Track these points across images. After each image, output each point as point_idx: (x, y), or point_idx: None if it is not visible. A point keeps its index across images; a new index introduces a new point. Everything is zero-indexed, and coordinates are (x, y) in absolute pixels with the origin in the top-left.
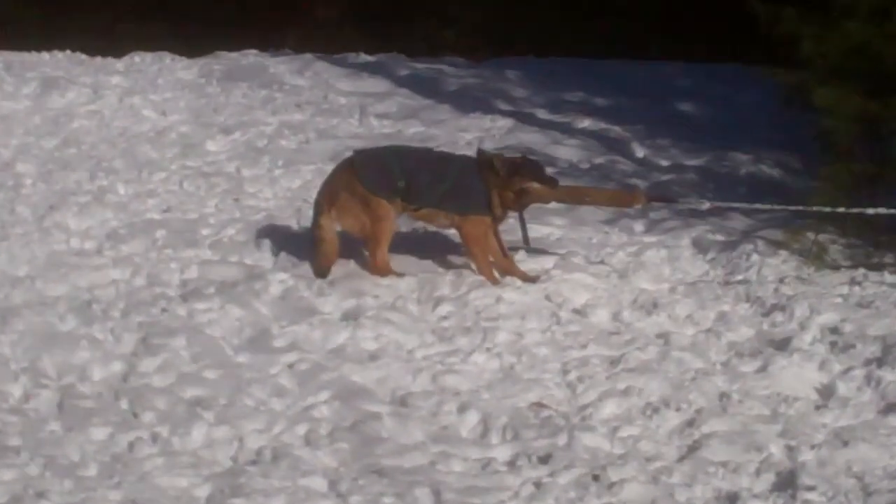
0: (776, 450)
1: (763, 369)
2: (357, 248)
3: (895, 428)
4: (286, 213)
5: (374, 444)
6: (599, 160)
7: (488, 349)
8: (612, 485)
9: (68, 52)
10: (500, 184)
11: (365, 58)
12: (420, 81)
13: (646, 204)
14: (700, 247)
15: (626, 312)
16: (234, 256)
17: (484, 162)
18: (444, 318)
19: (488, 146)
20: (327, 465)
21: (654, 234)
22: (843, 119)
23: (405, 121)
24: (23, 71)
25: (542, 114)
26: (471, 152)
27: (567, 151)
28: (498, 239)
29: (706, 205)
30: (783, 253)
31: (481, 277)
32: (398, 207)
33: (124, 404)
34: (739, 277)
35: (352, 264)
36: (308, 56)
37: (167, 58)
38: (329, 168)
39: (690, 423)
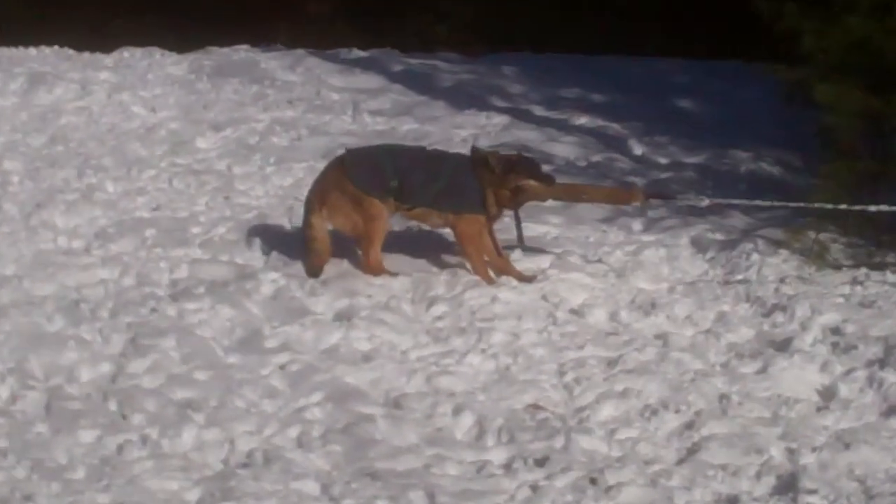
0: (777, 452)
1: (763, 370)
2: (350, 248)
3: None
4: (278, 211)
5: (367, 446)
6: (597, 158)
7: (483, 350)
8: (609, 488)
9: (56, 47)
10: (496, 182)
11: (358, 53)
12: (414, 77)
13: (644, 201)
14: (699, 246)
15: (624, 313)
16: (225, 255)
17: (479, 160)
18: (439, 318)
19: (483, 143)
20: (320, 468)
21: (653, 233)
22: (845, 116)
23: (399, 117)
24: (9, 66)
25: (538, 110)
26: (465, 150)
27: (564, 149)
28: (492, 238)
29: (705, 202)
30: (784, 252)
31: (476, 277)
32: (391, 207)
33: (113, 406)
34: (739, 277)
35: (345, 263)
36: (300, 51)
37: (157, 53)
38: (321, 165)
39: (689, 426)
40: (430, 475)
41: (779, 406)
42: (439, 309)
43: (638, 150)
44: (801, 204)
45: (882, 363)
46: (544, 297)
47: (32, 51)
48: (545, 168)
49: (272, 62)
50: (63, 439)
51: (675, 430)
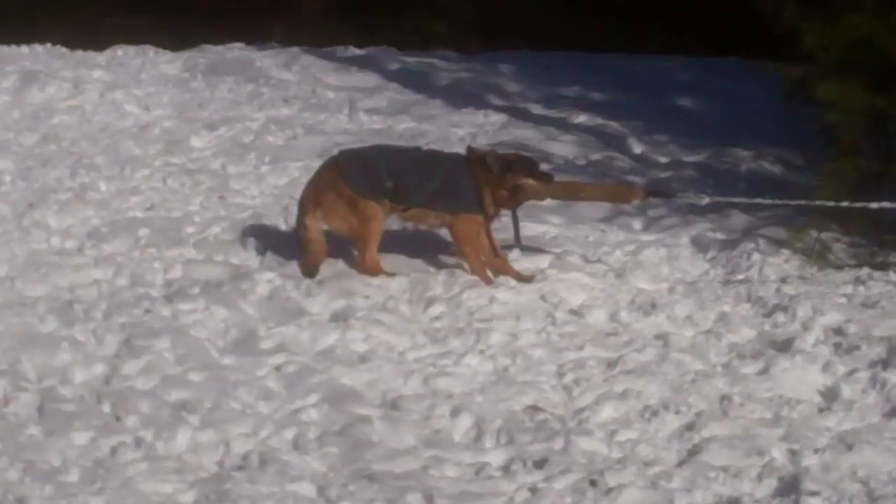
0: (778, 454)
1: (765, 371)
2: (346, 248)
3: None
4: (273, 211)
5: (364, 448)
6: (596, 157)
7: (482, 351)
8: (609, 490)
9: (48, 45)
10: (493, 181)
11: (354, 51)
12: (411, 75)
13: (643, 199)
14: (700, 245)
15: (624, 313)
16: (220, 256)
17: (476, 159)
18: (437, 318)
19: (481, 142)
20: (316, 471)
21: (653, 233)
22: (847, 114)
23: (395, 116)
24: (1, 64)
25: (536, 109)
26: (462, 149)
27: (562, 148)
28: (490, 238)
29: (705, 199)
30: (785, 252)
31: (474, 277)
32: (386, 208)
33: (106, 408)
34: (740, 277)
35: (340, 264)
36: (295, 49)
37: (150, 51)
38: (317, 165)
39: (690, 427)
40: (427, 477)
41: (780, 407)
42: (437, 309)
43: (637, 148)
44: (802, 202)
45: (885, 364)
46: (543, 298)
47: (24, 49)
48: (543, 167)
49: (267, 60)
50: (56, 441)
51: (675, 431)
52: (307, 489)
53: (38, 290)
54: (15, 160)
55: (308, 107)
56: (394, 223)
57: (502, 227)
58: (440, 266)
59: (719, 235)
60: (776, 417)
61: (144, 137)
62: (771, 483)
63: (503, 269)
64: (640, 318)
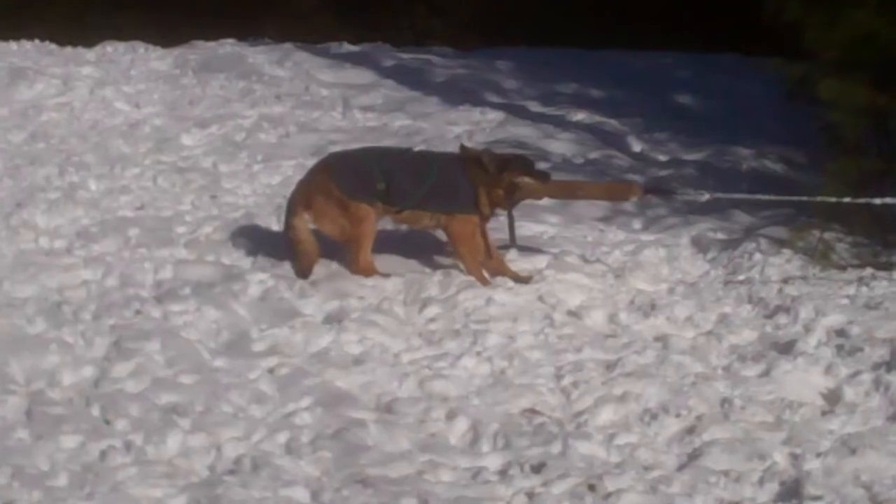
0: (780, 458)
1: (766, 374)
2: (340, 248)
3: None
4: (265, 210)
5: (358, 452)
6: (594, 155)
7: (478, 353)
8: (608, 495)
9: (37, 41)
10: (489, 181)
11: (348, 47)
12: (406, 72)
13: (642, 197)
14: (700, 245)
15: (623, 314)
16: (211, 256)
17: (471, 158)
18: (432, 320)
19: (478, 140)
20: (309, 475)
21: (653, 232)
22: (850, 112)
23: (390, 114)
24: None
25: (534, 106)
26: (458, 147)
27: (561, 146)
28: (485, 238)
29: (705, 196)
30: (787, 252)
31: (471, 278)
32: (379, 211)
33: (96, 411)
34: (741, 277)
35: (335, 264)
36: (288, 45)
37: (140, 48)
38: (310, 163)
39: (690, 431)
40: (423, 482)
41: (782, 410)
42: (432, 311)
43: (637, 146)
44: (804, 198)
45: (888, 366)
46: (541, 299)
47: (13, 45)
48: (540, 165)
49: (259, 57)
50: (44, 445)
51: (675, 434)
52: (300, 494)
53: (26, 291)
54: (3, 158)
55: (301, 104)
56: (388, 223)
57: (500, 226)
58: (436, 267)
59: (720, 235)
60: (778, 421)
61: (134, 135)
62: (773, 487)
63: (500, 269)
64: (640, 319)
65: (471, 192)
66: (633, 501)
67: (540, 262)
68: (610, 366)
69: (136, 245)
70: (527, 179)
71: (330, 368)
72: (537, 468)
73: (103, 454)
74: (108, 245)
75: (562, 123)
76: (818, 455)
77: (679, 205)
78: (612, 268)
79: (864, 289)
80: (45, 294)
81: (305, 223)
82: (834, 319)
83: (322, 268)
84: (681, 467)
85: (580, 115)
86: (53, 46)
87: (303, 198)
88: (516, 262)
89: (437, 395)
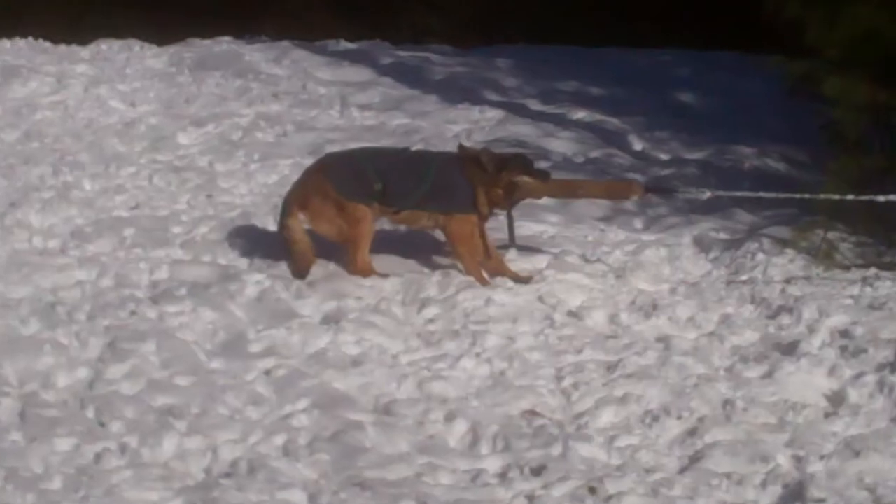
0: (783, 460)
1: (769, 375)
2: (337, 248)
3: None
4: (262, 209)
5: (356, 455)
6: (595, 154)
7: (478, 354)
8: (609, 498)
9: (31, 39)
10: (488, 180)
11: (346, 45)
12: (404, 70)
13: (643, 195)
14: (702, 245)
15: (624, 315)
16: (207, 256)
17: (469, 157)
18: (431, 321)
19: (477, 139)
20: (307, 478)
21: (654, 232)
22: (852, 109)
23: (388, 112)
24: None
25: (534, 104)
26: (457, 146)
27: (561, 144)
28: (484, 238)
29: (706, 194)
30: (790, 252)
31: (470, 278)
32: (376, 211)
33: (90, 413)
34: (744, 278)
35: (332, 265)
36: (285, 43)
37: (136, 45)
38: (308, 162)
39: (692, 433)
40: (421, 484)
41: (785, 412)
42: (431, 311)
43: (638, 145)
44: (806, 195)
45: (893, 367)
46: (541, 299)
47: (6, 43)
48: (540, 165)
49: (256, 55)
50: (38, 448)
51: (677, 437)
52: (298, 497)
53: (20, 292)
54: None
55: (298, 102)
56: (386, 223)
57: (499, 225)
58: (434, 267)
59: (722, 235)
60: (781, 422)
61: (130, 134)
62: (776, 490)
63: (500, 269)
64: (641, 320)
65: (469, 192)
66: None
67: (540, 262)
68: (611, 367)
69: (132, 245)
70: (526, 178)
71: (327, 370)
72: (537, 470)
73: (98, 457)
74: (103, 245)
75: (562, 122)
76: (821, 457)
77: (681, 204)
78: (612, 268)
79: (868, 289)
80: (39, 294)
81: (300, 223)
82: (837, 320)
83: (319, 268)
84: (682, 470)
85: (580, 114)
86: (47, 44)
87: (298, 198)
88: (516, 262)
89: (436, 397)
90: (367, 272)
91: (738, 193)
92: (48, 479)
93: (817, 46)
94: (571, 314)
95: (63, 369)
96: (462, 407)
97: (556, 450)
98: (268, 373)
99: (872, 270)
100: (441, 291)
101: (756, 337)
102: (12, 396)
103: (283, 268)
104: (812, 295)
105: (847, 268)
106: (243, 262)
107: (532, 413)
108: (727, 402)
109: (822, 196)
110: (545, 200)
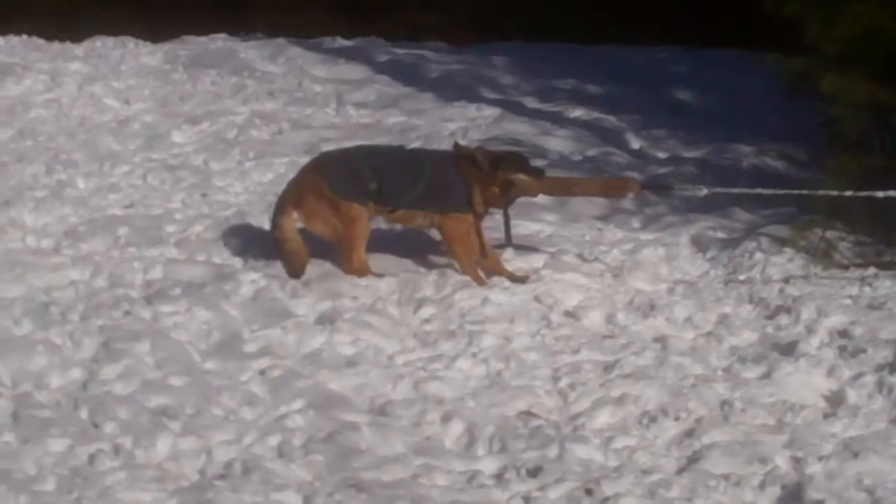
0: (782, 462)
1: (767, 375)
2: (333, 247)
3: None
4: (257, 208)
5: (351, 456)
6: (592, 152)
7: (474, 354)
8: (606, 499)
9: (24, 36)
10: (483, 179)
11: (342, 42)
12: (401, 68)
13: (639, 192)
14: (700, 244)
15: (621, 315)
16: (202, 255)
17: (464, 156)
18: (427, 321)
19: (474, 137)
20: (301, 479)
21: (651, 231)
22: (852, 107)
23: (384, 110)
24: None
25: (530, 102)
26: (454, 144)
27: (558, 143)
28: (480, 236)
29: (703, 191)
30: (788, 251)
31: (466, 278)
32: (371, 211)
33: (84, 414)
34: (742, 277)
35: (327, 264)
36: (281, 41)
37: (130, 42)
38: (303, 160)
39: (690, 433)
40: (417, 486)
41: (784, 413)
42: (427, 311)
43: (635, 143)
44: (804, 191)
45: (892, 367)
46: (537, 299)
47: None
48: (537, 163)
49: (251, 52)
50: (32, 449)
51: (674, 437)
52: (292, 498)
53: (13, 292)
54: None
55: (294, 100)
56: (381, 222)
57: (495, 225)
58: (430, 266)
59: (720, 234)
60: (779, 423)
61: (124, 132)
62: (774, 492)
63: (496, 269)
64: (638, 319)
65: (465, 191)
66: None
67: (536, 261)
68: (608, 367)
69: (126, 244)
70: (522, 176)
71: (323, 370)
72: (534, 472)
73: (91, 458)
74: (97, 244)
75: (559, 120)
76: (820, 458)
77: (678, 203)
78: (610, 267)
79: (868, 289)
80: (33, 294)
81: (292, 223)
82: (836, 320)
83: (315, 268)
84: (680, 471)
85: (577, 112)
86: (41, 42)
87: (293, 197)
88: (512, 261)
89: (432, 398)
90: (363, 272)
91: (735, 190)
92: (41, 480)
93: (816, 44)
94: (568, 314)
95: (56, 370)
96: (458, 408)
97: (553, 451)
98: (262, 373)
99: (871, 270)
100: (437, 291)
101: (754, 337)
102: (5, 397)
103: (278, 267)
104: (811, 295)
105: (846, 267)
106: (238, 262)
107: (528, 414)
108: (725, 403)
109: (821, 192)
110: (542, 199)
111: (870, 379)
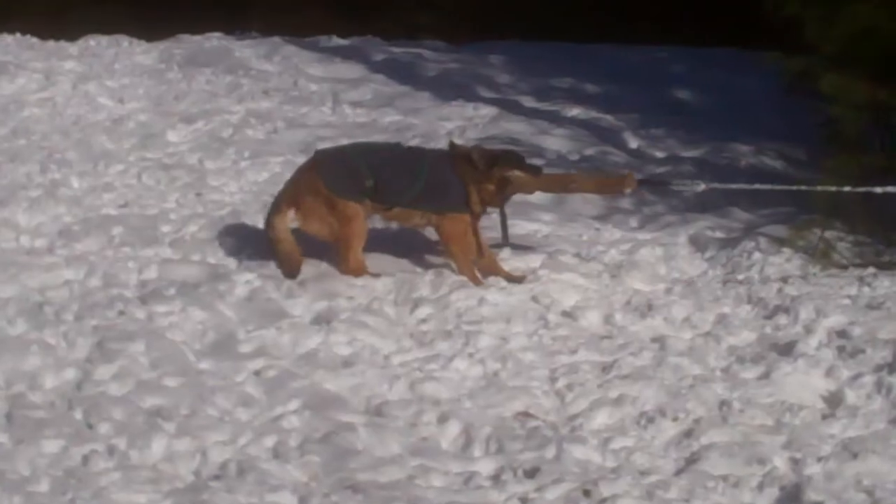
0: (780, 462)
1: (766, 376)
2: (328, 247)
3: None
4: (253, 208)
5: (347, 457)
6: (590, 151)
7: (471, 355)
8: (603, 500)
9: (18, 35)
10: (479, 177)
11: (337, 41)
12: (397, 66)
13: (636, 188)
14: (698, 244)
15: (619, 315)
16: (197, 255)
17: (460, 155)
18: (423, 321)
19: (470, 136)
20: (297, 480)
21: (649, 231)
22: (851, 107)
23: (381, 109)
24: None
25: (528, 101)
26: (449, 143)
27: (555, 142)
28: (477, 236)
29: (701, 186)
30: (787, 251)
31: (463, 278)
32: (368, 208)
33: (78, 414)
34: (740, 277)
35: (323, 264)
36: (276, 39)
37: (125, 41)
38: (299, 160)
39: (688, 434)
40: (414, 487)
41: (782, 413)
42: (424, 311)
43: (633, 143)
44: (802, 187)
45: (891, 368)
46: (535, 299)
47: None
48: (534, 162)
49: (247, 51)
50: (25, 450)
51: (672, 438)
52: (288, 499)
53: (7, 292)
54: None
55: (289, 99)
56: (377, 221)
57: (493, 224)
58: (427, 266)
59: (718, 234)
60: (778, 424)
61: (118, 131)
62: (772, 493)
63: (493, 268)
64: (636, 320)
65: (461, 191)
66: None
67: (534, 261)
68: (605, 368)
69: (120, 244)
70: (518, 173)
71: (318, 370)
72: (531, 473)
73: (86, 459)
74: (91, 244)
75: (556, 119)
76: (819, 459)
77: (676, 202)
78: (607, 267)
79: (866, 288)
80: (26, 294)
81: (286, 222)
82: (835, 320)
83: (310, 267)
84: (678, 472)
85: (575, 111)
86: (35, 40)
87: (290, 197)
88: (509, 261)
89: (429, 398)
90: (359, 272)
91: (733, 186)
92: (35, 481)
93: (815, 43)
94: (566, 314)
95: (50, 370)
96: (455, 408)
97: (550, 452)
98: (258, 373)
99: (870, 270)
100: (434, 291)
101: (752, 337)
102: None
103: (273, 267)
104: (809, 295)
105: (845, 267)
106: (233, 262)
107: (525, 414)
108: (723, 404)
109: (819, 187)
110: (539, 199)
111: (868, 379)
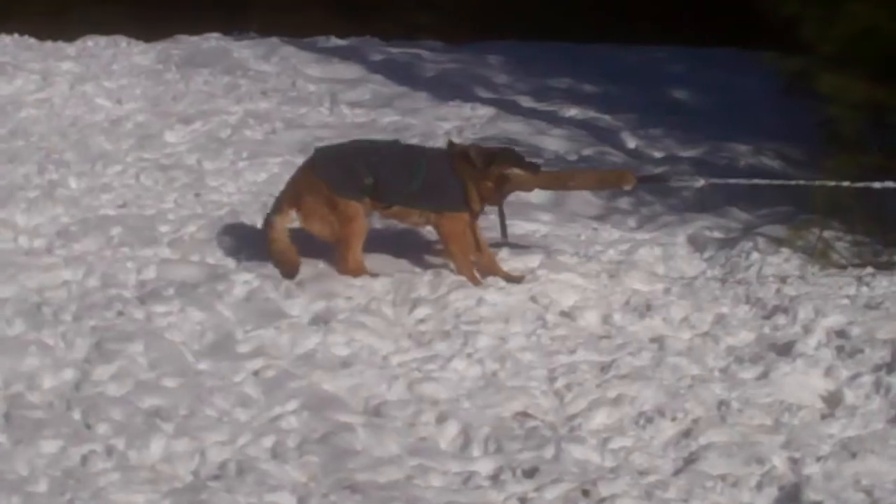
0: (779, 462)
1: (764, 376)
2: (326, 247)
3: None
4: (251, 208)
5: (346, 457)
6: (588, 151)
7: (469, 355)
8: (602, 500)
9: (16, 35)
10: (478, 175)
11: (336, 41)
12: (395, 67)
13: (635, 185)
14: (697, 244)
15: (618, 315)
16: (195, 255)
17: (458, 154)
18: (422, 321)
19: (469, 136)
20: (296, 480)
21: (648, 231)
22: (849, 107)
23: (379, 109)
24: None
25: (526, 102)
26: (447, 142)
27: (553, 142)
28: (476, 235)
29: (700, 182)
30: (786, 251)
31: (461, 277)
32: (367, 206)
33: (77, 415)
34: (739, 277)
35: (322, 264)
36: (274, 40)
37: (122, 42)
38: (297, 160)
39: (687, 434)
40: (412, 487)
41: (781, 413)
42: (422, 311)
43: (631, 143)
44: (801, 181)
45: (889, 367)
46: (533, 299)
47: None
48: (531, 160)
49: (245, 51)
50: (24, 450)
51: (671, 438)
52: (287, 500)
53: (5, 292)
54: None
55: (288, 100)
56: (376, 221)
57: (491, 224)
58: (426, 266)
59: (717, 234)
60: (776, 424)
61: (116, 132)
62: (771, 492)
63: (491, 268)
64: (635, 320)
65: (460, 190)
66: None
67: (532, 261)
68: (604, 368)
69: (119, 244)
70: (516, 171)
71: (317, 371)
72: (529, 473)
73: (84, 459)
74: (90, 244)
75: (554, 119)
76: (818, 459)
77: (675, 202)
78: (606, 267)
79: (865, 288)
80: (25, 295)
81: (284, 222)
82: (834, 320)
83: (309, 268)
84: (677, 472)
85: (573, 111)
86: (32, 41)
87: (291, 197)
88: (508, 261)
89: (427, 398)
90: (358, 272)
91: (732, 181)
92: (34, 481)
93: (814, 43)
94: (564, 314)
95: (49, 370)
96: (453, 408)
97: (549, 452)
98: (256, 374)
99: (869, 270)
100: (432, 291)
101: (751, 337)
102: None
103: (271, 267)
104: (808, 294)
105: (843, 267)
106: (231, 262)
107: (524, 414)
108: (722, 404)
109: (817, 183)
110: (537, 198)
111: (867, 379)
